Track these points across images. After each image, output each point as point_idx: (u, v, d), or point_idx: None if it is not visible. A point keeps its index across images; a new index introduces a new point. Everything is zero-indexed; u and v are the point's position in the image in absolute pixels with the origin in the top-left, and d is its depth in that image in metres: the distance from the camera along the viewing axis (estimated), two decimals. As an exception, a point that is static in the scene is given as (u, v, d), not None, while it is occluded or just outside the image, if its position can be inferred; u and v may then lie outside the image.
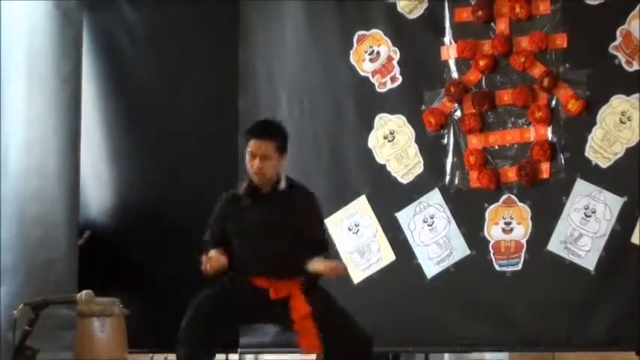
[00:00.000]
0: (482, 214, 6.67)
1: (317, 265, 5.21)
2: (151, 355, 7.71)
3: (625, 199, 6.37)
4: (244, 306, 5.31)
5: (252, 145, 5.29)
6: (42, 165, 6.82)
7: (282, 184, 5.38)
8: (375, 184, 6.98)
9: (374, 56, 7.04)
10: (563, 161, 6.54)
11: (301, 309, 5.27)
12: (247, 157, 5.31)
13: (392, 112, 6.97)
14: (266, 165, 5.27)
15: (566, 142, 6.54)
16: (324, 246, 5.40)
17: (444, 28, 6.86)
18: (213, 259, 5.23)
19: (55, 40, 6.89)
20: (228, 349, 7.42)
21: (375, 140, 6.99)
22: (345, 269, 5.35)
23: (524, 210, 6.60)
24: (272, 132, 5.35)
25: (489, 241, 6.65)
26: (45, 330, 5.59)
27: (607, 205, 6.41)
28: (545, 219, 6.54)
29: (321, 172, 7.09)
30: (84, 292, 5.20)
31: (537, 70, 6.60)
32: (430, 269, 6.77)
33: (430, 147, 6.85)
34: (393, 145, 6.95)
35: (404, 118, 6.94)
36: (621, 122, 6.42)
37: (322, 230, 5.53)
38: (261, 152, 5.26)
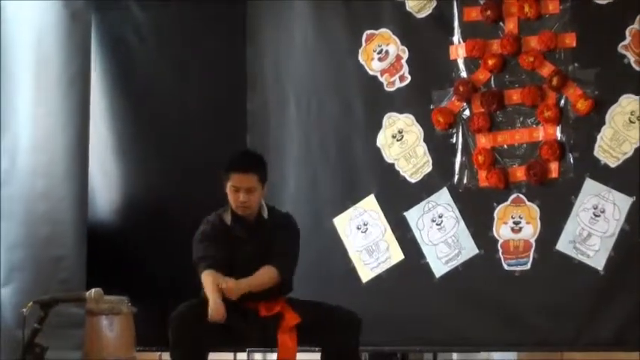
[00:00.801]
0: (491, 214, 6.67)
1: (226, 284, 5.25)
2: (159, 353, 7.71)
3: (634, 198, 6.37)
4: (230, 326, 5.39)
5: (234, 178, 5.35)
6: (50, 164, 6.83)
7: (265, 214, 5.49)
8: (383, 183, 6.97)
9: (382, 55, 7.04)
10: (572, 161, 6.54)
11: (292, 320, 5.38)
12: (229, 191, 5.36)
13: (400, 111, 6.97)
14: (251, 198, 5.36)
15: (575, 142, 6.54)
16: (284, 263, 5.42)
17: (452, 28, 6.86)
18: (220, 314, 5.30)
19: (63, 39, 6.90)
20: (237, 347, 7.42)
21: (383, 139, 6.99)
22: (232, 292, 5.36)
23: (533, 209, 6.59)
24: (254, 164, 5.43)
25: (498, 241, 6.65)
26: (53, 328, 5.60)
27: (616, 205, 6.41)
28: (554, 218, 6.53)
29: (330, 171, 7.09)
30: (93, 290, 5.21)
31: (546, 70, 6.60)
32: (439, 268, 6.77)
33: (439, 146, 6.85)
34: (402, 144, 6.94)
35: (412, 117, 6.93)
36: (630, 122, 6.42)
37: (289, 248, 5.52)
38: (245, 185, 5.33)
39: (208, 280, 5.36)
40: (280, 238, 5.48)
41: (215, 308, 5.26)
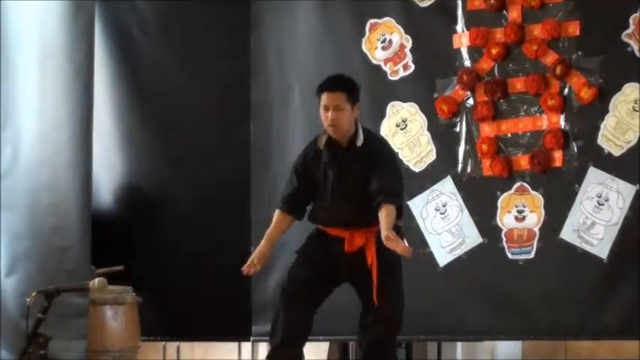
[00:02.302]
0: (494, 203, 6.67)
1: (392, 242, 5.21)
2: (163, 343, 7.73)
3: (637, 187, 6.36)
4: (325, 266, 5.46)
5: (324, 98, 5.41)
6: (55, 154, 6.83)
7: (360, 140, 5.46)
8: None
9: (386, 44, 7.03)
10: (575, 149, 6.53)
11: (370, 256, 5.40)
12: (321, 112, 5.43)
13: (404, 100, 6.97)
14: (340, 116, 5.38)
15: (578, 130, 6.53)
16: (392, 192, 5.37)
17: (456, 16, 6.85)
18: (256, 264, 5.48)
19: (66, 30, 6.89)
20: (241, 337, 7.44)
21: (387, 128, 6.98)
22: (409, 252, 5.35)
23: (537, 198, 6.59)
24: (342, 83, 5.49)
25: (502, 230, 6.65)
26: (57, 318, 5.62)
27: (620, 193, 6.40)
28: (557, 207, 6.53)
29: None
30: (97, 279, 5.21)
31: (550, 58, 6.59)
32: (442, 257, 6.77)
33: (442, 135, 6.85)
34: (406, 133, 6.94)
35: (416, 106, 6.93)
36: (634, 110, 6.41)
37: (393, 176, 5.48)
38: (334, 104, 5.38)
39: (273, 224, 5.62)
40: (387, 172, 5.43)
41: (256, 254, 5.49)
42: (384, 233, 5.19)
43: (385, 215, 5.26)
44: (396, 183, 5.44)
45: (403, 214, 5.60)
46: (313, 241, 5.57)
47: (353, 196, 5.41)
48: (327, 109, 5.39)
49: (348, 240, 5.41)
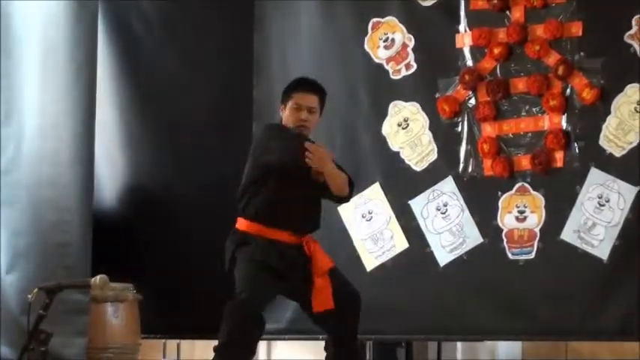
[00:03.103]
0: (495, 203, 6.66)
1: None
2: (163, 340, 7.73)
3: (639, 188, 6.35)
4: (278, 274, 5.31)
5: (298, 97, 5.37)
6: (56, 151, 6.85)
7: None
8: (388, 171, 6.97)
9: (388, 43, 7.03)
10: (577, 150, 6.53)
11: (325, 264, 5.33)
12: (290, 111, 5.36)
13: (406, 99, 6.97)
14: (310, 118, 5.38)
15: (580, 131, 6.52)
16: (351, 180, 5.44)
17: (459, 16, 6.84)
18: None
19: (69, 27, 6.91)
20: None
21: (389, 127, 6.99)
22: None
23: (538, 198, 6.59)
24: (318, 87, 5.47)
25: (502, 230, 6.64)
26: (58, 314, 5.64)
27: (621, 195, 6.39)
28: (558, 208, 6.52)
29: (335, 159, 7.07)
30: (98, 276, 5.22)
31: (552, 59, 6.58)
32: (443, 257, 6.76)
33: (444, 135, 6.85)
34: (407, 132, 6.94)
35: (418, 106, 6.93)
36: (636, 111, 6.40)
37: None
38: (308, 105, 5.36)
39: None
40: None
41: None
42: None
43: (340, 172, 5.34)
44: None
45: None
46: (266, 248, 5.32)
47: (314, 199, 5.41)
48: (300, 108, 5.35)
49: (306, 244, 5.32)
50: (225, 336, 5.10)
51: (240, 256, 5.36)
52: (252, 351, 5.27)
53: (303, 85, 5.45)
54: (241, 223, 5.42)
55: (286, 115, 5.41)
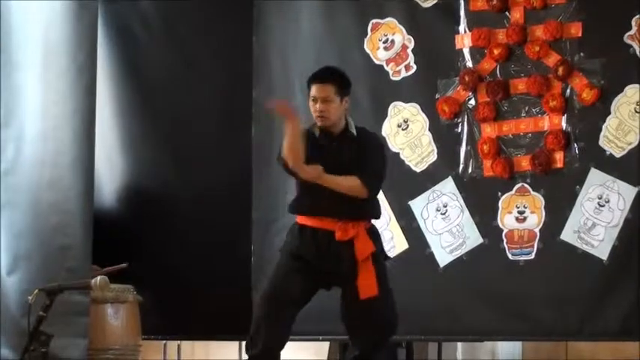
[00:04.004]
0: (495, 203, 6.67)
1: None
2: (164, 342, 7.73)
3: (638, 188, 6.36)
4: (312, 264, 5.34)
5: (313, 89, 5.40)
6: (57, 153, 6.84)
7: (353, 130, 5.46)
8: (388, 172, 6.88)
9: (388, 44, 7.04)
10: (577, 150, 6.53)
11: (366, 249, 5.34)
12: (310, 103, 5.41)
13: (406, 100, 6.97)
14: (328, 108, 5.36)
15: (580, 132, 6.53)
16: (369, 172, 5.39)
17: (458, 17, 6.85)
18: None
19: (70, 28, 6.91)
20: (242, 336, 7.44)
21: (388, 128, 6.99)
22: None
23: (538, 199, 6.59)
24: (332, 75, 5.46)
25: (502, 230, 6.65)
26: (59, 316, 5.63)
27: (621, 195, 6.40)
28: (558, 208, 6.53)
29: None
30: (98, 278, 5.25)
31: (552, 59, 6.59)
32: (443, 258, 6.77)
33: (444, 135, 6.85)
34: (407, 133, 6.95)
35: (418, 107, 6.94)
36: (636, 112, 6.41)
37: (377, 162, 5.48)
38: (322, 95, 5.36)
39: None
40: (369, 155, 5.45)
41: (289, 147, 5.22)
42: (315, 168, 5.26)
43: (345, 177, 5.30)
44: (376, 168, 5.45)
45: (381, 213, 5.63)
46: (296, 238, 5.42)
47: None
48: (315, 100, 5.38)
49: (339, 229, 5.33)
50: (252, 327, 5.30)
51: (282, 249, 5.51)
52: (282, 336, 5.32)
53: (316, 76, 5.47)
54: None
55: (310, 106, 5.44)
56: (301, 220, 5.45)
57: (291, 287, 5.32)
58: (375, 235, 5.49)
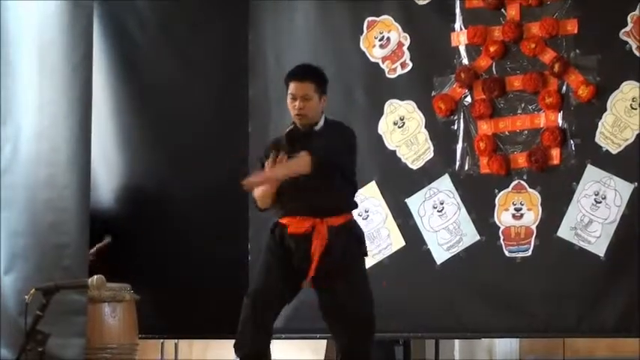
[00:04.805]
0: (492, 200, 6.67)
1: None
2: (161, 340, 7.73)
3: (635, 185, 6.37)
4: (279, 258, 5.36)
5: (292, 87, 5.38)
6: (53, 152, 6.83)
7: (320, 124, 5.43)
8: (385, 170, 6.98)
9: (384, 42, 7.04)
10: (573, 147, 6.54)
11: (317, 246, 5.31)
12: (288, 101, 5.40)
13: (402, 98, 6.97)
14: (307, 105, 5.35)
15: (576, 128, 6.54)
16: (324, 151, 5.31)
17: (454, 14, 6.85)
18: (260, 189, 5.25)
19: (65, 27, 6.90)
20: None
21: (385, 126, 6.99)
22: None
23: (535, 196, 6.60)
24: (311, 73, 5.44)
25: (499, 227, 6.65)
26: (56, 315, 5.62)
27: (617, 191, 6.41)
28: (555, 205, 6.54)
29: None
30: (95, 277, 5.24)
31: (548, 56, 6.59)
32: (440, 255, 6.78)
33: (440, 133, 6.86)
34: (403, 131, 6.95)
35: (414, 104, 6.94)
36: (632, 108, 6.42)
37: (336, 145, 5.40)
38: (302, 93, 5.35)
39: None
40: (328, 137, 5.42)
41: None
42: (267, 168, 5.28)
43: (296, 158, 5.25)
44: (334, 150, 5.35)
45: (353, 205, 5.55)
46: (277, 240, 5.41)
47: (324, 183, 5.32)
48: (294, 98, 5.36)
49: (316, 228, 5.30)
50: (238, 327, 5.34)
51: (263, 248, 5.51)
52: (263, 335, 5.32)
53: (295, 74, 5.45)
54: None
55: (288, 103, 5.42)
56: (283, 220, 5.43)
57: (274, 291, 5.32)
58: (348, 232, 5.41)
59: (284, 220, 5.40)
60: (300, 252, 5.34)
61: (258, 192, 5.36)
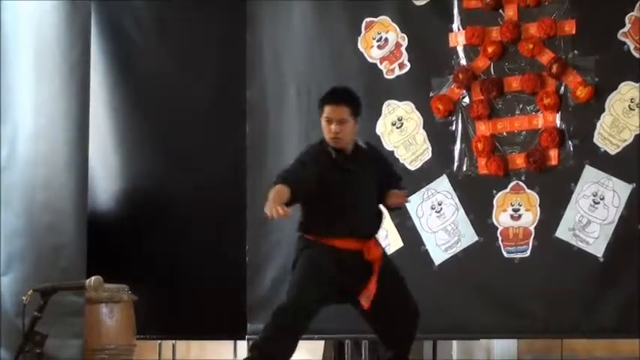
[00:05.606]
0: (490, 201, 6.67)
1: (395, 199, 5.48)
2: (159, 341, 7.73)
3: (633, 185, 6.37)
4: (330, 276, 5.35)
5: (327, 110, 5.41)
6: (50, 152, 6.83)
7: (362, 145, 5.53)
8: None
9: (382, 43, 7.03)
10: (571, 148, 6.54)
11: (376, 251, 5.39)
12: (323, 124, 5.42)
13: (400, 98, 6.97)
14: (343, 129, 5.38)
15: (574, 129, 6.54)
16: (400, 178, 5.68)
17: (452, 15, 6.85)
18: (280, 210, 5.12)
19: (62, 27, 6.90)
20: (237, 336, 7.43)
21: (383, 127, 6.99)
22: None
23: (533, 197, 6.60)
24: (346, 97, 5.48)
25: (497, 228, 6.65)
26: (53, 316, 5.62)
27: (615, 192, 6.41)
28: (553, 206, 6.54)
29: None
30: (93, 278, 5.20)
31: (546, 57, 6.59)
32: (438, 256, 6.77)
33: (438, 134, 6.85)
34: (402, 131, 6.95)
35: (412, 105, 6.93)
36: (630, 109, 6.42)
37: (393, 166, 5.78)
38: (338, 117, 5.38)
39: (274, 193, 5.18)
40: (388, 163, 5.70)
41: (270, 206, 5.11)
42: (395, 194, 5.48)
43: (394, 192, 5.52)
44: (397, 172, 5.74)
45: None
46: (320, 257, 5.36)
47: (364, 201, 5.42)
48: (330, 121, 5.39)
49: (367, 250, 5.36)
50: (267, 331, 5.25)
51: (300, 259, 5.41)
52: (290, 347, 5.30)
53: (332, 97, 5.47)
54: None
55: (323, 126, 5.45)
56: (321, 240, 5.41)
57: (312, 299, 5.31)
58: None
59: (327, 240, 5.38)
60: (351, 268, 5.36)
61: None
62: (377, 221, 5.50)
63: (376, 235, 5.48)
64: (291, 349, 5.28)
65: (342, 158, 5.41)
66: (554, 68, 6.55)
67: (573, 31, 6.56)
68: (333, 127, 5.36)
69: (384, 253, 5.53)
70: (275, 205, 5.05)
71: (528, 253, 6.58)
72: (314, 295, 5.28)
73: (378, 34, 7.05)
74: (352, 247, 5.36)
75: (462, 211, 6.74)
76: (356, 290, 5.37)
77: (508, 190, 6.66)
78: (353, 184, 5.38)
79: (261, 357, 5.22)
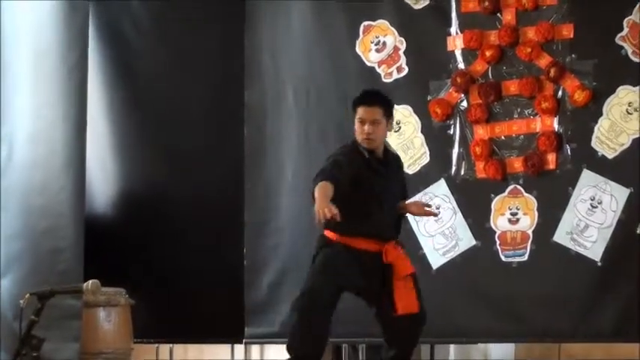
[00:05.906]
0: (488, 205, 6.67)
1: (415, 208, 5.63)
2: (156, 345, 7.72)
3: (631, 189, 6.38)
4: (349, 274, 5.39)
5: (360, 111, 5.47)
6: (48, 155, 6.83)
7: (392, 149, 5.64)
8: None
9: (380, 46, 7.03)
10: (569, 152, 6.54)
11: (405, 268, 5.43)
12: (356, 125, 5.47)
13: (398, 102, 6.92)
14: (376, 130, 5.43)
15: (572, 133, 6.54)
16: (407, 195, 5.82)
17: (450, 19, 6.85)
18: (328, 213, 5.11)
19: (61, 30, 6.89)
20: (234, 339, 7.42)
21: (381, 130, 6.98)
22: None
23: (531, 201, 6.60)
24: (379, 99, 5.54)
25: (495, 232, 6.65)
26: (51, 320, 5.61)
27: (613, 196, 6.41)
28: (551, 210, 6.54)
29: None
30: (90, 281, 5.19)
31: (544, 61, 6.60)
32: (436, 260, 6.77)
33: (436, 137, 6.85)
34: (399, 135, 6.94)
35: (410, 109, 6.93)
36: (627, 113, 6.42)
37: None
38: (371, 118, 5.43)
39: (321, 189, 5.20)
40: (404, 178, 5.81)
41: (320, 206, 5.13)
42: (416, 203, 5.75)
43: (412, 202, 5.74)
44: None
45: None
46: (339, 256, 5.40)
47: (391, 204, 5.52)
48: (363, 122, 5.43)
49: (386, 252, 5.40)
50: (291, 320, 5.36)
51: (320, 255, 5.45)
52: (322, 337, 5.35)
53: (365, 98, 5.53)
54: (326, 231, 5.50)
55: (355, 127, 5.49)
56: (342, 239, 5.44)
57: (328, 299, 5.33)
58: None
59: (348, 239, 5.41)
60: (370, 270, 5.40)
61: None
62: (398, 225, 5.59)
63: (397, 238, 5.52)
64: (322, 330, 5.30)
65: (375, 159, 5.47)
66: (552, 72, 6.55)
67: (571, 35, 6.56)
68: (366, 127, 5.42)
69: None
70: (325, 205, 5.09)
71: (526, 257, 6.58)
72: (330, 283, 5.32)
73: (376, 37, 7.05)
74: (372, 248, 5.41)
75: (459, 215, 6.74)
76: (371, 291, 5.42)
77: (506, 193, 6.66)
78: (382, 186, 5.44)
79: (296, 354, 5.31)
